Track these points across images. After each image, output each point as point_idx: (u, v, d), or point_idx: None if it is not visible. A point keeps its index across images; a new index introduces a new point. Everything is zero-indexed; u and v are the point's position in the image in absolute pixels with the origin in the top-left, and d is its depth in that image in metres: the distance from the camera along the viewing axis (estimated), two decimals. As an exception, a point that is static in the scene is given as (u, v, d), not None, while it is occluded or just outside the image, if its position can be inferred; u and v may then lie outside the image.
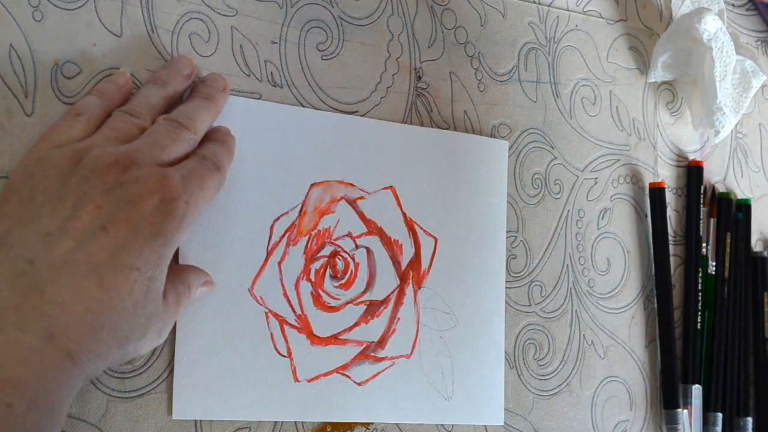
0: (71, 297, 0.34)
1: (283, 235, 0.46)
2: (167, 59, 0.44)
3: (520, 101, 0.56)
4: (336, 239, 0.48)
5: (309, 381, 0.46)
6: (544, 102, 0.57)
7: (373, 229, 0.49)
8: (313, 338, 0.47)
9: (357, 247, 0.49)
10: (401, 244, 0.50)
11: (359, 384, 0.48)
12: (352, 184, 0.49)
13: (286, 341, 0.46)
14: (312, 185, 0.47)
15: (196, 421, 0.43)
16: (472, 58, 0.54)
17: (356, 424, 0.48)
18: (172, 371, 0.43)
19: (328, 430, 0.47)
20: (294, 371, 0.46)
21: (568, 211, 0.57)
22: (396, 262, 0.50)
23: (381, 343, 0.49)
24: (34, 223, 0.35)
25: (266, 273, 0.46)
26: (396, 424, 0.49)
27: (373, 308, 0.49)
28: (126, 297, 0.35)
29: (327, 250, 0.48)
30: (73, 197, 0.36)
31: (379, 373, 0.48)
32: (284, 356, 0.46)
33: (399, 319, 0.49)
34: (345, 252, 0.48)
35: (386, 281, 0.49)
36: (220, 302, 0.44)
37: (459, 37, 0.54)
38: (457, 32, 0.54)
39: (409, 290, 0.50)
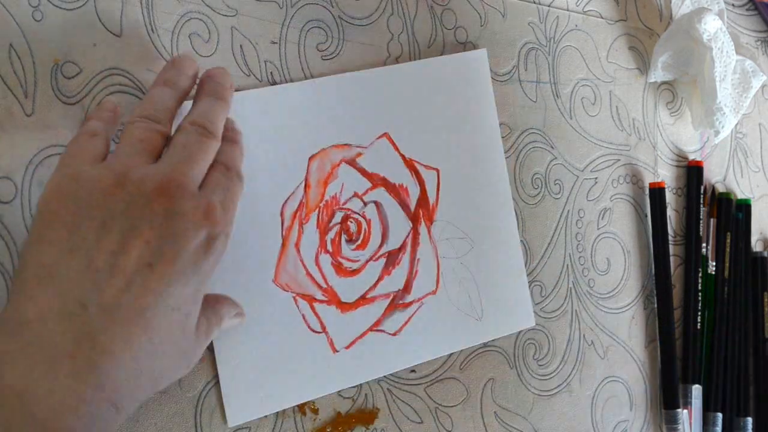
0: (120, 346, 0.34)
1: (294, 217, 0.47)
2: (167, 59, 0.44)
3: (520, 101, 0.56)
4: (344, 203, 0.48)
5: (347, 348, 0.48)
6: (544, 102, 0.57)
7: (377, 181, 0.49)
8: (343, 306, 0.48)
9: (365, 204, 0.49)
10: (406, 187, 0.50)
11: (393, 335, 0.49)
12: (347, 145, 0.49)
13: (318, 317, 0.47)
14: (310, 158, 0.48)
15: (196, 421, 0.43)
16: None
17: (356, 423, 0.48)
18: (216, 383, 0.44)
19: (328, 430, 0.47)
20: (331, 343, 0.47)
21: (568, 211, 0.57)
22: (405, 206, 0.50)
23: (406, 288, 0.50)
24: (81, 256, 0.34)
25: (286, 259, 0.46)
26: (396, 423, 0.49)
27: (392, 258, 0.49)
28: (166, 339, 0.36)
29: (338, 217, 0.48)
30: (120, 228, 0.35)
31: (410, 317, 0.49)
32: (319, 332, 0.47)
33: (419, 260, 0.50)
34: (355, 213, 0.49)
35: (399, 227, 0.50)
36: (248, 300, 0.45)
37: (459, 37, 0.54)
38: (457, 32, 0.54)
39: (422, 229, 0.50)
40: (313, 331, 0.47)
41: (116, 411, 0.34)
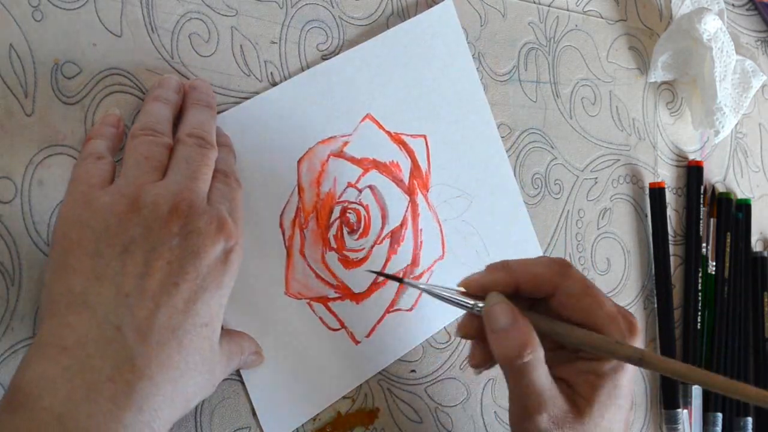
0: (158, 369, 0.35)
1: (294, 225, 0.47)
2: (167, 59, 0.44)
3: (520, 101, 0.56)
4: (340, 197, 0.48)
5: (367, 337, 0.48)
6: (544, 102, 0.57)
7: (367, 165, 0.49)
8: (356, 297, 0.48)
9: (360, 191, 0.49)
10: (397, 162, 0.50)
11: (409, 310, 0.49)
12: (332, 137, 0.48)
13: (335, 315, 0.47)
14: (299, 161, 0.47)
15: (196, 420, 0.43)
16: (472, 58, 0.54)
17: (356, 423, 0.48)
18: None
19: (328, 430, 0.47)
20: (351, 336, 0.48)
21: (568, 211, 0.57)
22: (399, 181, 0.50)
23: (414, 262, 0.50)
24: (109, 282, 0.35)
25: (294, 268, 0.46)
26: (396, 423, 0.49)
27: (395, 237, 0.50)
28: (197, 357, 0.37)
29: (336, 212, 0.48)
30: (142, 251, 0.36)
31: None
32: (338, 329, 0.47)
33: (421, 230, 0.50)
34: (353, 203, 0.49)
35: (397, 204, 0.50)
36: (264, 317, 0.45)
37: (459, 37, 0.54)
38: (457, 32, 0.54)
39: (419, 199, 0.51)
40: (332, 329, 0.47)
41: None
